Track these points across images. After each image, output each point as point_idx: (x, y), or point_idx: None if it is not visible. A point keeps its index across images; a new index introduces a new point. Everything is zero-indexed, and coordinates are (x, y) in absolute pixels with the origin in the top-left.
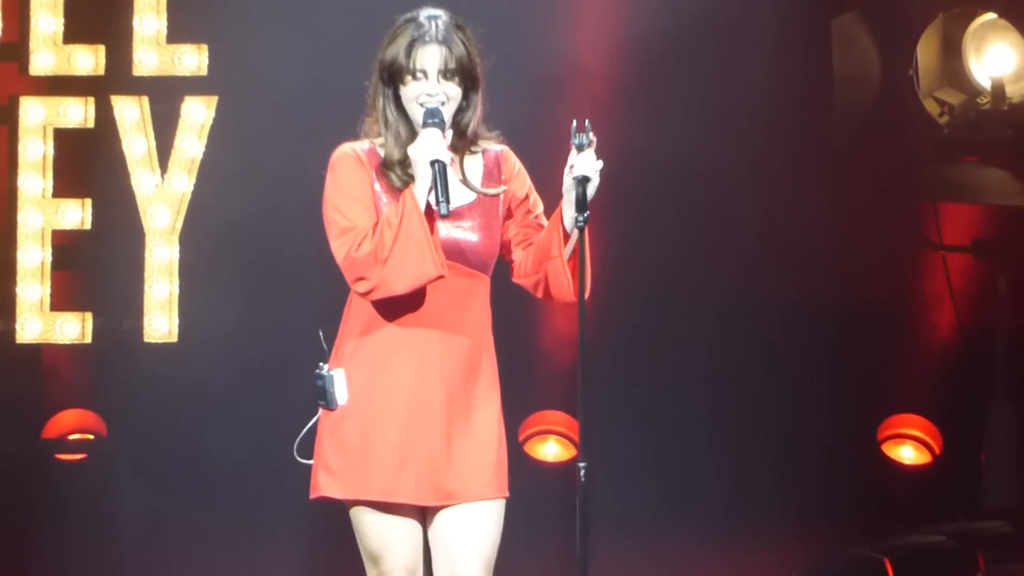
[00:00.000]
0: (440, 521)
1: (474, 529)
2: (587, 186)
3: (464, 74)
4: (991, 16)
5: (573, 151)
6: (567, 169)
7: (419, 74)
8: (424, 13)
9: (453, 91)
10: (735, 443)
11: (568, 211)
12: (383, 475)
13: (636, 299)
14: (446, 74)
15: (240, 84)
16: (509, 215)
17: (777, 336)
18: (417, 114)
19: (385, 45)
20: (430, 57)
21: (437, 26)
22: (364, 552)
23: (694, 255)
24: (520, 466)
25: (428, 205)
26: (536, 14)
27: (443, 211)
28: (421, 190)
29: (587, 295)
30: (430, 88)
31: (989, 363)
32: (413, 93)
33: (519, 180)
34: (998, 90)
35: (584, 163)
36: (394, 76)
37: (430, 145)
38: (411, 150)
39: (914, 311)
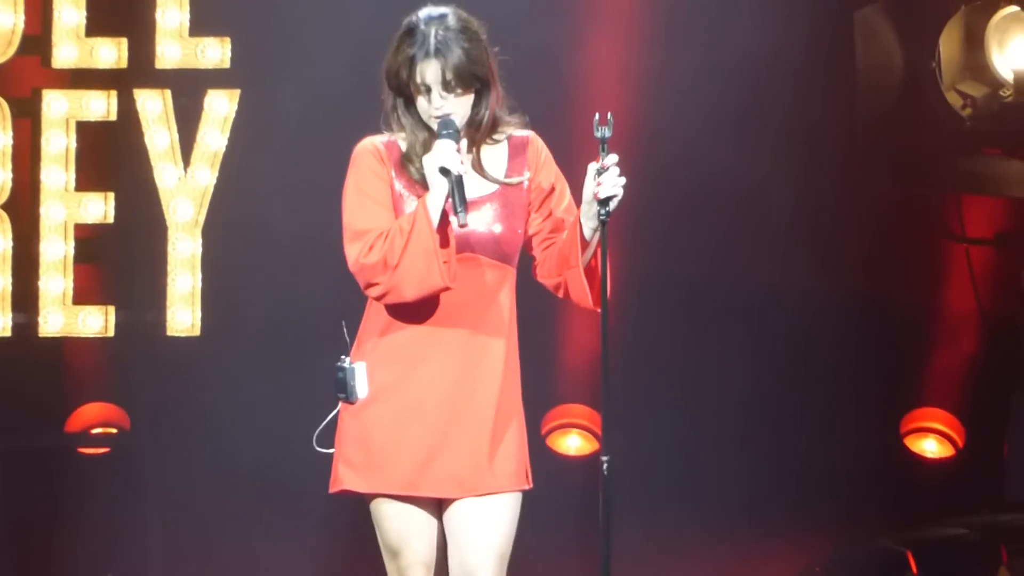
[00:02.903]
0: (455, 512)
1: (487, 521)
2: (611, 202)
3: (467, 80)
4: (1014, 8)
5: (591, 170)
6: (587, 180)
7: (423, 88)
8: (424, 16)
9: (458, 100)
10: (758, 436)
11: (588, 223)
12: (405, 469)
13: (658, 292)
14: (446, 86)
15: (263, 77)
16: (533, 207)
17: (799, 329)
18: (432, 123)
19: (389, 55)
20: (431, 72)
21: (436, 35)
22: (384, 546)
23: (716, 248)
24: (542, 459)
25: (445, 214)
26: (553, 12)
27: (461, 220)
28: (433, 199)
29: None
30: (435, 102)
31: (1012, 356)
32: (423, 107)
33: (545, 170)
34: (1021, 82)
35: (608, 183)
36: (401, 89)
37: (441, 155)
38: (425, 160)
39: (937, 304)
